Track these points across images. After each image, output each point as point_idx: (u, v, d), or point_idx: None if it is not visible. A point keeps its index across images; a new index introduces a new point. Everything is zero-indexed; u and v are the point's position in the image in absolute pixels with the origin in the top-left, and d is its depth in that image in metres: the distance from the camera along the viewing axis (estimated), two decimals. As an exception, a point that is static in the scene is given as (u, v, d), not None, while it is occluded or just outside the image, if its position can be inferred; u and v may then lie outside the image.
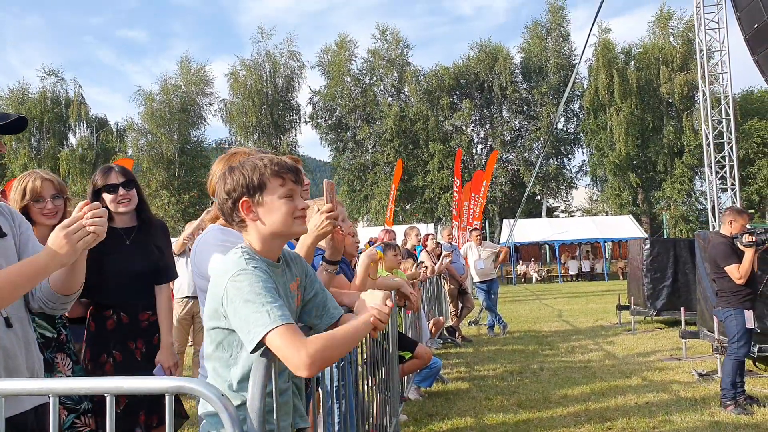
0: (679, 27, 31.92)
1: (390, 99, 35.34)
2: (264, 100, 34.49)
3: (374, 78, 35.63)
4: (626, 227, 23.62)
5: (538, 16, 44.77)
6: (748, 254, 4.60)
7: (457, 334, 8.40)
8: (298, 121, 36.47)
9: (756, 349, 5.73)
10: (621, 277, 22.08)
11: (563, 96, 18.45)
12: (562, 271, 24.71)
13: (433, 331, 7.07)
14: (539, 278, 24.71)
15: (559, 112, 21.74)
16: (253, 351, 1.32)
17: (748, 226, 4.93)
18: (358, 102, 34.74)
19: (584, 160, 36.03)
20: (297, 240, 2.01)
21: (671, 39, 32.18)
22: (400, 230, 9.85)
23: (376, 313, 1.48)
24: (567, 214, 36.29)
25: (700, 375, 5.56)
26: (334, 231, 2.01)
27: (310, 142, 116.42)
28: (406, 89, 35.29)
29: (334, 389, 2.42)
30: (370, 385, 3.19)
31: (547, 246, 27.30)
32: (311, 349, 1.29)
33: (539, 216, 32.58)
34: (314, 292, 1.65)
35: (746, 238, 4.59)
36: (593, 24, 10.54)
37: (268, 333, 1.29)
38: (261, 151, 1.83)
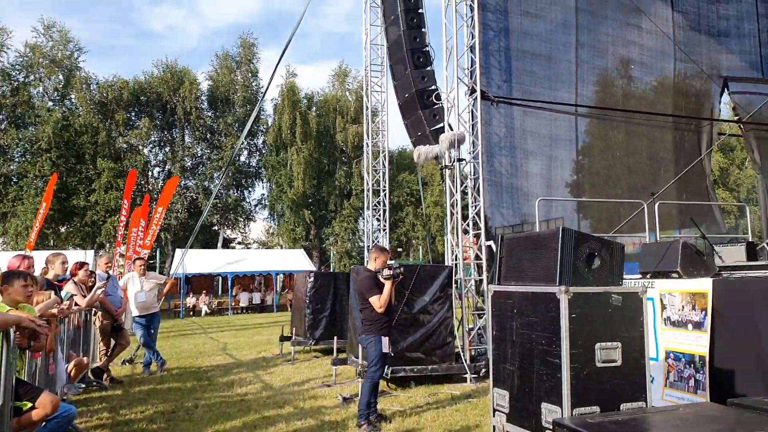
0: (353, 84, 36.60)
1: (51, 104, 30.66)
2: None
3: (31, 77, 30.48)
4: (298, 260, 25.27)
5: (230, 48, 45.55)
6: (387, 286, 5.34)
7: (105, 376, 7.49)
8: None
9: (389, 371, 6.67)
10: (288, 309, 23.44)
11: (245, 128, 18.91)
12: (233, 303, 24.83)
13: (73, 374, 6.14)
14: (209, 311, 24.28)
15: (240, 143, 22.21)
16: None
17: (390, 261, 5.73)
18: (5, 100, 29.08)
19: (264, 194, 37.56)
20: None
21: (347, 93, 36.63)
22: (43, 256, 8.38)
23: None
24: (243, 246, 36.98)
25: (344, 399, 6.16)
26: None
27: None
28: (73, 96, 31.17)
29: None
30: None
31: (221, 277, 27.17)
32: None
33: (215, 246, 32.34)
34: None
35: (386, 271, 5.32)
36: (278, 62, 11.17)
37: None
38: None
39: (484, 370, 7.26)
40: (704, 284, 5.35)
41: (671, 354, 5.39)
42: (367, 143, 13.58)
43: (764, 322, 4.78)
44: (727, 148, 31.28)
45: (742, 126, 10.89)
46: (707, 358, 5.01)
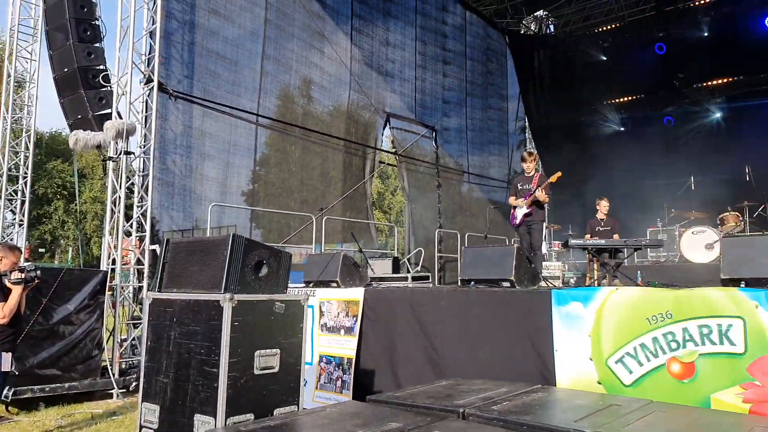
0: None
1: None
2: None
3: None
4: None
5: None
6: (16, 292, 4.49)
7: None
8: None
9: (11, 393, 5.61)
10: None
11: None
12: None
13: None
14: None
15: None
16: None
17: (24, 263, 4.85)
18: None
19: None
20: None
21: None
22: None
23: None
24: None
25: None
26: None
27: None
28: None
29: None
30: None
31: None
32: None
33: None
34: None
35: (14, 275, 4.47)
36: None
37: None
38: None
39: (134, 384, 6.76)
40: (357, 293, 6.03)
41: (324, 357, 5.90)
42: (5, 117, 11.37)
43: (399, 325, 5.64)
44: (385, 175, 36.64)
45: (397, 157, 12.85)
46: (354, 360, 5.65)
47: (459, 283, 6.89)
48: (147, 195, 8.13)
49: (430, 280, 9.11)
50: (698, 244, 9.05)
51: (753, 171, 9.50)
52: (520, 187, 7.81)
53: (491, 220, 11.20)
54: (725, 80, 13.68)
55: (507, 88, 16.12)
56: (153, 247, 7.91)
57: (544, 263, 9.81)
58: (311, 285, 6.63)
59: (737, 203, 9.44)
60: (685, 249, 9.19)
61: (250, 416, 3.75)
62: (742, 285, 4.36)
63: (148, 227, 8.01)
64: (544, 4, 15.17)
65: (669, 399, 4.16)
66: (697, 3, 13.29)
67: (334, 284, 6.50)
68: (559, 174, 7.54)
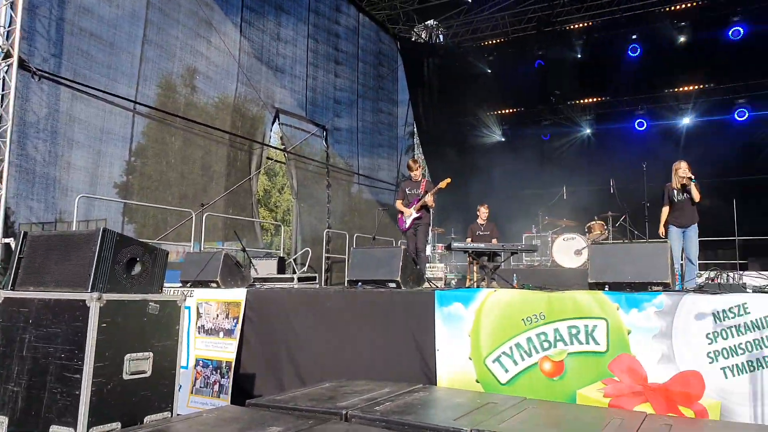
0: None
1: None
2: None
3: None
4: None
5: None
6: None
7: None
8: None
9: None
10: None
11: None
12: None
13: None
14: None
15: None
16: None
17: None
18: None
19: None
20: None
21: None
22: None
23: None
24: None
25: None
26: None
27: None
28: None
29: None
30: None
31: None
32: None
33: None
34: None
35: None
36: None
37: None
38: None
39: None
40: (239, 294, 5.84)
41: (201, 361, 5.64)
42: None
43: (283, 327, 5.54)
44: (272, 172, 35.96)
45: (286, 155, 12.65)
46: (233, 364, 5.45)
47: (346, 284, 6.91)
48: (1, 183, 7.34)
49: (317, 281, 9.05)
50: (568, 250, 9.78)
51: (616, 184, 10.45)
52: (408, 191, 7.99)
53: (380, 222, 11.36)
54: (594, 99, 14.96)
55: (397, 93, 16.49)
56: (6, 240, 7.15)
57: (427, 265, 10.12)
58: (189, 285, 6.32)
59: (603, 213, 10.33)
60: (556, 254, 9.90)
61: (117, 425, 3.49)
62: (606, 288, 4.75)
63: (1, 218, 7.23)
64: (435, 14, 15.68)
65: (541, 396, 4.43)
66: (572, 26, 14.39)
67: (214, 284, 6.25)
68: (448, 180, 7.81)
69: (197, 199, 9.97)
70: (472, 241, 9.53)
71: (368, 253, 6.14)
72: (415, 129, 16.83)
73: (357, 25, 14.82)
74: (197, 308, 5.89)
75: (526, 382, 4.59)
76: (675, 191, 7.52)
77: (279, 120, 12.38)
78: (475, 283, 8.06)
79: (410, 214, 7.78)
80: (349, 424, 3.59)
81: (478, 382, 4.77)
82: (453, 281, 11.09)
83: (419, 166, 8.18)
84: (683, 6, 12.89)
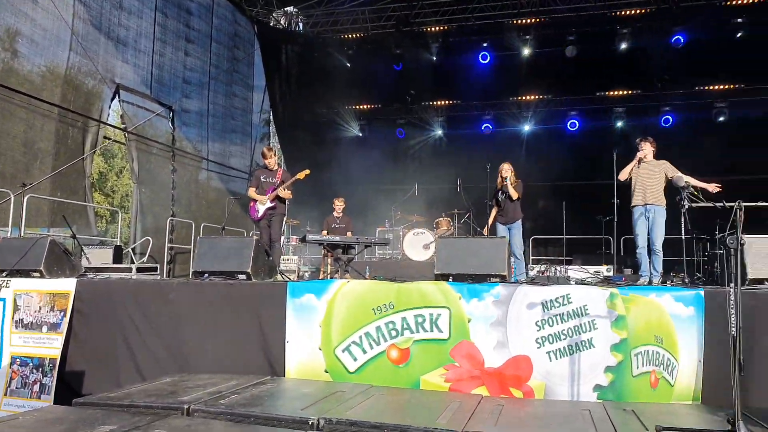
0: None
1: None
2: None
3: None
4: None
5: None
6: None
7: None
8: None
9: None
10: None
11: None
12: None
13: None
14: None
15: None
16: None
17: None
18: None
19: None
20: None
21: None
22: None
23: None
24: None
25: None
26: None
27: None
28: None
29: None
30: None
31: None
32: None
33: None
34: None
35: None
36: None
37: None
38: None
39: None
40: (67, 284, 5.35)
41: (18, 359, 5.09)
42: None
43: (120, 320, 5.18)
44: (110, 154, 33.18)
45: (126, 135, 11.76)
46: (58, 361, 4.99)
47: (191, 276, 6.63)
48: None
49: (158, 272, 8.55)
50: (417, 244, 10.27)
51: (463, 183, 11.16)
52: (263, 180, 7.85)
53: (230, 211, 11.01)
54: (447, 102, 15.80)
55: (253, 78, 16.06)
56: None
57: (282, 257, 10.03)
58: (5, 274, 5.66)
59: (450, 210, 10.98)
60: (407, 248, 10.35)
61: None
62: (450, 279, 5.08)
63: None
64: (295, 1, 15.53)
65: (387, 383, 4.63)
66: (429, 29, 15.05)
67: (37, 274, 5.66)
68: (307, 172, 7.80)
69: (17, 179, 8.93)
70: (327, 233, 9.61)
71: (216, 243, 5.95)
72: (272, 117, 16.54)
73: (211, 3, 14.19)
74: (14, 300, 5.30)
75: (373, 370, 4.76)
76: (498, 191, 8.21)
77: (119, 96, 11.47)
78: (329, 276, 8.16)
79: (264, 203, 7.65)
80: (191, 418, 3.47)
81: (327, 371, 4.85)
82: (307, 274, 11.11)
83: (274, 154, 8.08)
84: (527, 21, 14.06)
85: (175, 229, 11.91)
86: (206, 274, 5.75)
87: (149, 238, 10.45)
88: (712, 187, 6.20)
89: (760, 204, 3.85)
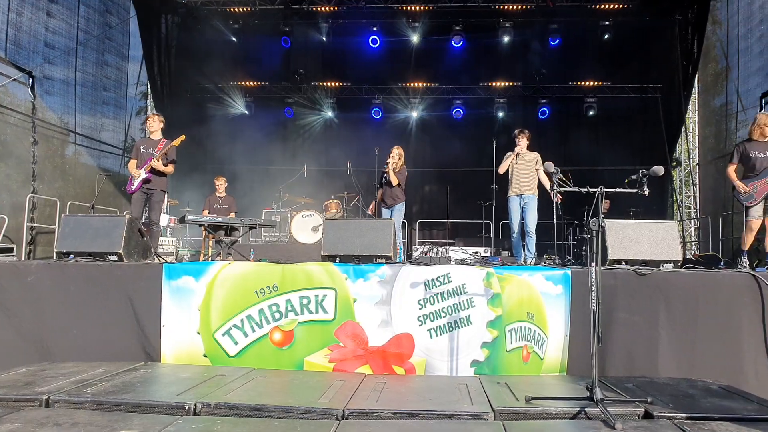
0: None
1: None
2: None
3: None
4: None
5: None
6: None
7: None
8: None
9: None
10: None
11: None
12: None
13: None
14: None
15: None
16: None
17: None
18: None
19: None
20: None
21: None
22: None
23: None
24: None
25: None
26: None
27: None
28: None
29: None
30: None
31: None
32: None
33: None
34: None
35: None
36: None
37: None
38: None
39: None
40: None
41: None
42: None
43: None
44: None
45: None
46: None
47: (55, 257, 6.14)
48: None
49: (15, 254, 7.78)
50: (306, 227, 10.18)
51: (353, 166, 11.18)
52: (142, 150, 7.41)
53: (101, 189, 10.25)
54: (337, 84, 15.70)
55: (129, 48, 14.96)
56: None
57: (160, 239, 9.51)
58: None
59: (339, 193, 10.98)
60: (295, 230, 10.22)
61: None
62: (336, 260, 5.08)
63: None
64: (177, -33, 14.66)
65: (270, 366, 4.56)
66: (319, 9, 14.83)
67: None
68: (182, 137, 7.53)
69: None
70: (208, 213, 9.25)
71: (83, 222, 5.52)
72: (149, 90, 15.56)
73: (81, -39, 13.03)
74: None
75: (255, 353, 4.67)
76: (384, 174, 8.42)
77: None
78: (210, 258, 7.86)
79: (138, 177, 7.20)
80: (51, 409, 3.22)
81: (205, 356, 4.70)
82: (186, 256, 10.64)
83: (159, 122, 7.64)
84: (416, 8, 14.27)
85: (36, 208, 10.90)
86: (71, 255, 5.32)
87: (4, 216, 9.49)
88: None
89: (618, 190, 4.19)
